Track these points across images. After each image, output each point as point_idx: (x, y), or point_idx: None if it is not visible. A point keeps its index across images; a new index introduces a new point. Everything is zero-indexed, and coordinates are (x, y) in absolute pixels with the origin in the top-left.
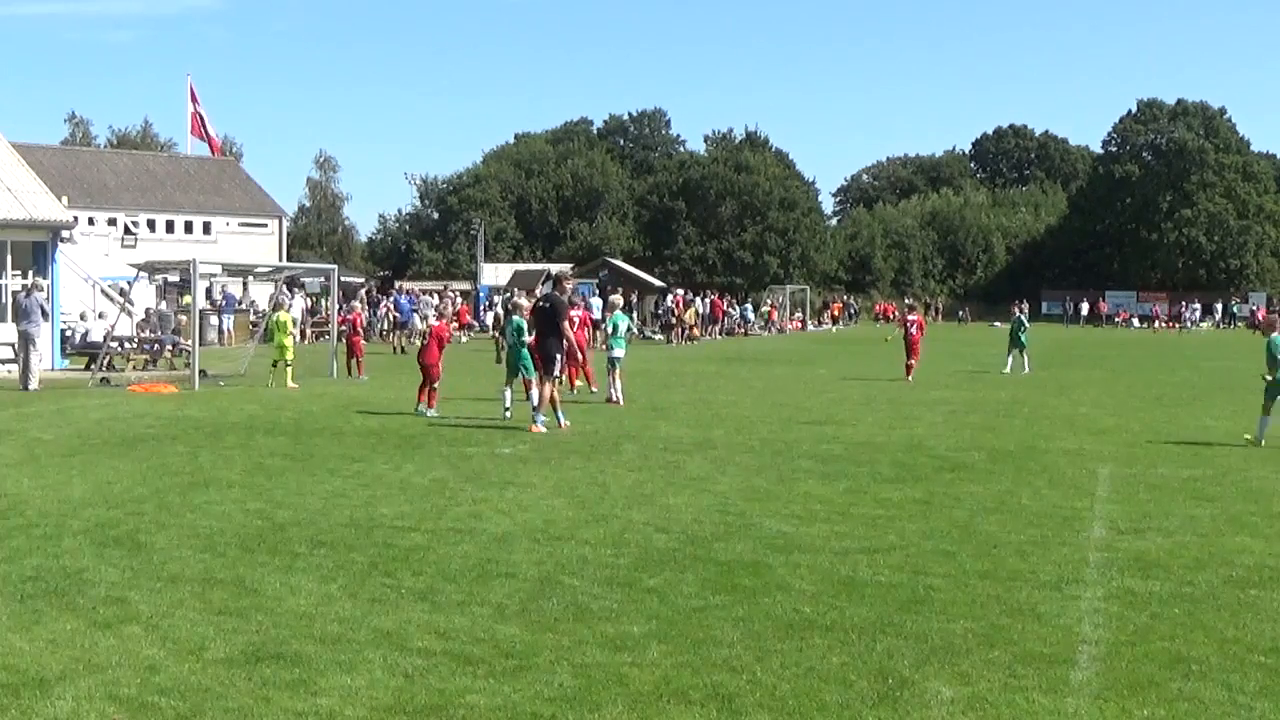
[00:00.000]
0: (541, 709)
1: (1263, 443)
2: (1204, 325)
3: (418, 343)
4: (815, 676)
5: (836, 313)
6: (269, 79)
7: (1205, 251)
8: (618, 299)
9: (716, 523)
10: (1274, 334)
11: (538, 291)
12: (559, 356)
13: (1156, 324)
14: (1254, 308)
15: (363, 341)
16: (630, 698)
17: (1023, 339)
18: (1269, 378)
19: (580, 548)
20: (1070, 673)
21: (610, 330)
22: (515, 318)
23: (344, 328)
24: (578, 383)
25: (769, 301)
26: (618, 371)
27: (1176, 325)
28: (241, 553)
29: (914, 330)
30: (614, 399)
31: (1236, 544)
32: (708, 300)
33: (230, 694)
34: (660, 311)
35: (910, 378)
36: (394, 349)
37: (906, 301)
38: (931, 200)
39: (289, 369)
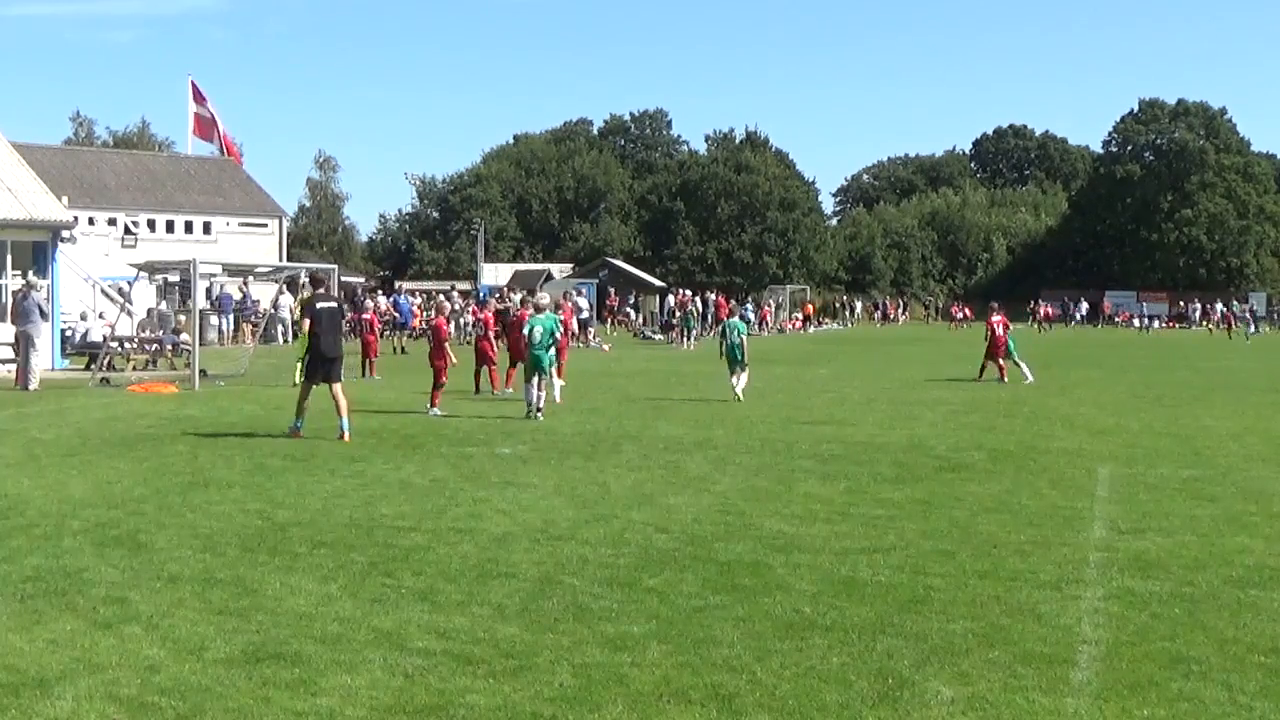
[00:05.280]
0: (541, 709)
1: None
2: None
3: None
4: (815, 676)
5: (808, 313)
6: (269, 79)
7: (1206, 251)
8: (544, 298)
9: (716, 523)
10: None
11: (543, 292)
12: (342, 358)
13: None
14: (1251, 308)
15: (378, 342)
16: (630, 698)
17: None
18: None
19: (580, 548)
20: (1070, 673)
21: (527, 333)
22: (541, 317)
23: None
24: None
25: (768, 302)
26: (550, 376)
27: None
28: (241, 553)
29: (999, 330)
30: (539, 403)
31: (1236, 544)
32: (710, 300)
33: (230, 694)
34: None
35: (982, 377)
36: (394, 349)
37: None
38: (931, 200)
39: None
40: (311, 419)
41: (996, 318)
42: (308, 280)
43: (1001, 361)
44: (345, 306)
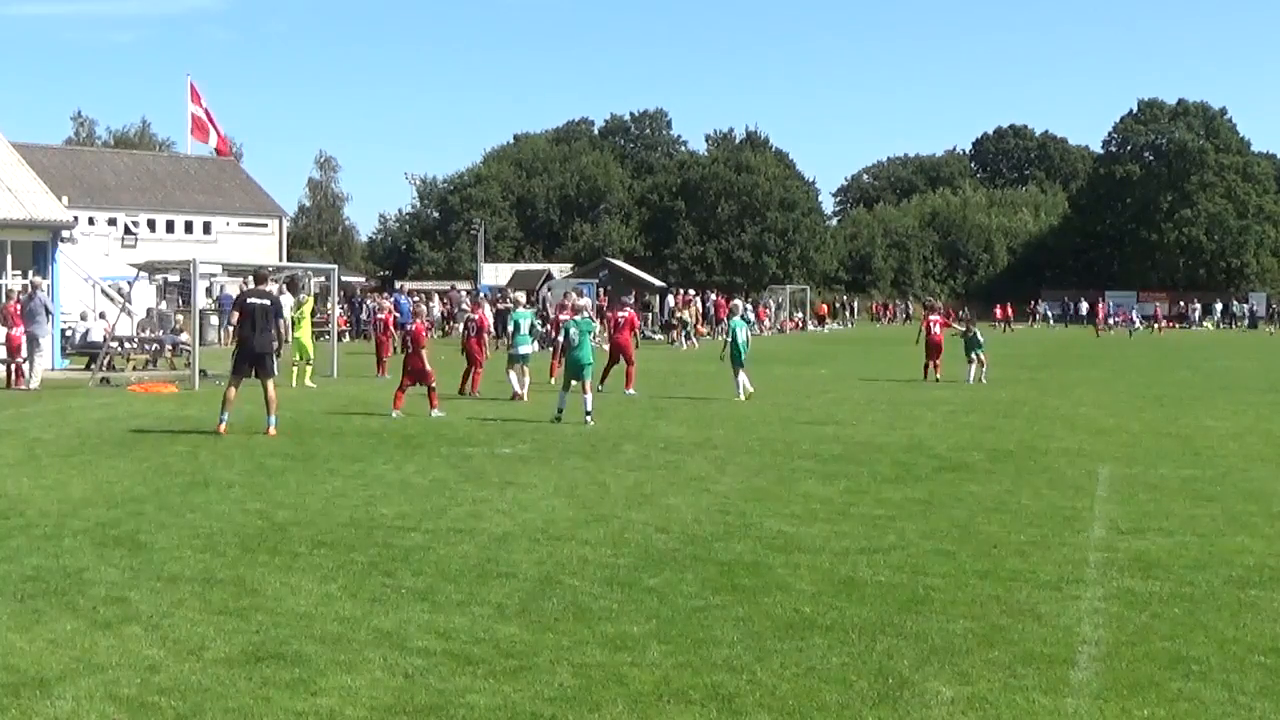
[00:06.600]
0: (541, 709)
1: None
2: (1206, 325)
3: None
4: (815, 676)
5: (822, 313)
6: (269, 79)
7: (1205, 251)
8: (520, 296)
9: (716, 523)
10: None
11: (546, 292)
12: (272, 354)
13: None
14: (1252, 307)
15: (391, 341)
16: (630, 698)
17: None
18: None
19: (580, 548)
20: (1070, 673)
21: (513, 328)
22: (580, 318)
23: (342, 327)
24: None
25: (768, 302)
26: (522, 368)
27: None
28: (241, 553)
29: (936, 330)
30: (519, 395)
31: (1236, 544)
32: (710, 300)
33: (230, 694)
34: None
35: (928, 377)
36: (394, 348)
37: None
38: (931, 200)
39: (309, 368)
40: (310, 418)
41: (935, 318)
42: (251, 275)
43: (938, 362)
44: (281, 304)
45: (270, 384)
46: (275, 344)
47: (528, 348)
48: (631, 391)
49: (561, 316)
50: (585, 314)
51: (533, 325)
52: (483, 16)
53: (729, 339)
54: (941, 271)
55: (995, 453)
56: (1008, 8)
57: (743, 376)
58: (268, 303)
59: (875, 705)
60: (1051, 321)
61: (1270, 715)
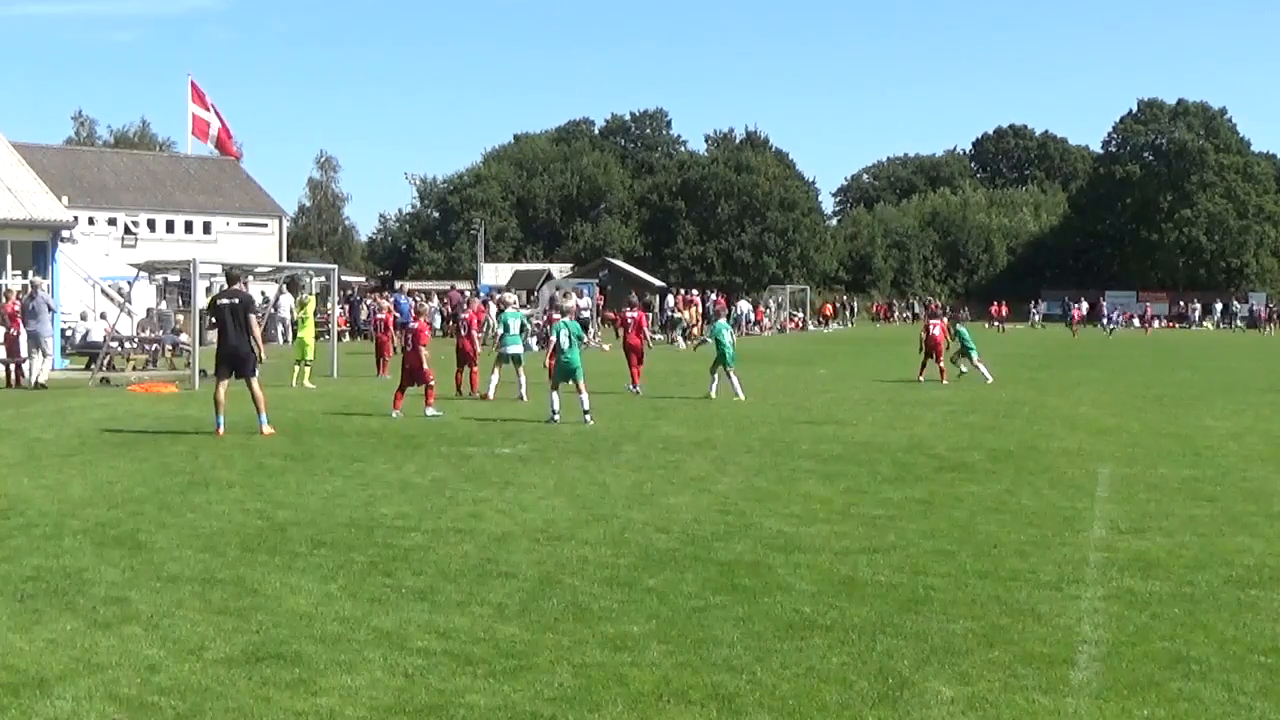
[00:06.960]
0: (541, 709)
1: None
2: (1206, 325)
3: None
4: (815, 676)
5: (828, 313)
6: (269, 79)
7: (1205, 251)
8: (510, 296)
9: (716, 523)
10: None
11: (553, 291)
12: (251, 354)
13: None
14: (1252, 307)
15: (392, 343)
16: (630, 698)
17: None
18: None
19: (580, 548)
20: (1070, 673)
21: (503, 329)
22: (569, 320)
23: (342, 326)
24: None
25: (767, 302)
26: (515, 369)
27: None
28: (241, 553)
29: (935, 332)
30: (489, 396)
31: (1236, 544)
32: (711, 300)
33: (230, 694)
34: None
35: (924, 376)
36: (394, 348)
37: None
38: (931, 200)
39: (308, 368)
40: (310, 418)
41: (935, 322)
42: (224, 275)
43: (942, 364)
44: (255, 302)
45: (254, 383)
46: (258, 350)
47: (517, 347)
48: (629, 389)
49: (553, 316)
50: (584, 313)
51: (523, 325)
52: (483, 16)
53: (710, 338)
54: (941, 271)
55: (995, 453)
56: (1008, 8)
57: (734, 379)
58: (236, 302)
59: (875, 705)
60: (1042, 322)
61: (1270, 715)
